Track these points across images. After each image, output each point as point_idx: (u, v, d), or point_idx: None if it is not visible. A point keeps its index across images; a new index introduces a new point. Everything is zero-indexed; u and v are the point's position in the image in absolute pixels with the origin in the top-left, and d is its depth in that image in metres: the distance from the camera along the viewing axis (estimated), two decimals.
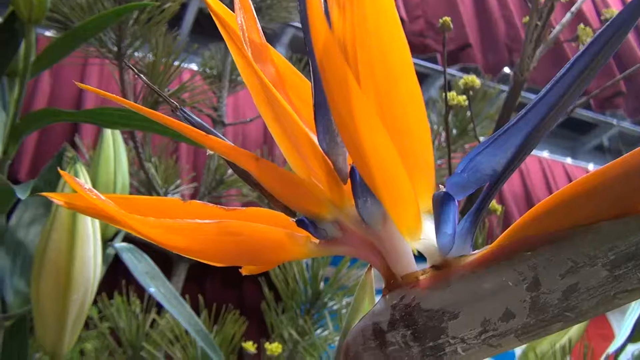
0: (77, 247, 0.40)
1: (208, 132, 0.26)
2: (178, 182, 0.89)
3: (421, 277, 0.21)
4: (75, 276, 0.40)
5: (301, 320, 0.61)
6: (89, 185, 0.27)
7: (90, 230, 0.40)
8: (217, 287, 1.43)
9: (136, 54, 0.80)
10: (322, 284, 0.63)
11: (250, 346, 0.52)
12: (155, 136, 0.97)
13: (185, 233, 0.26)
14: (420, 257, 0.23)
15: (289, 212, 0.26)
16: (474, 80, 0.50)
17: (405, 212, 0.20)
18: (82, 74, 2.15)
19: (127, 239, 0.60)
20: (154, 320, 0.65)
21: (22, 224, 0.58)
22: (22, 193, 0.36)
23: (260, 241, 0.25)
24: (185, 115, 0.28)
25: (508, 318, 0.19)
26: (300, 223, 0.25)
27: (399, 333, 0.22)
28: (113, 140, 0.58)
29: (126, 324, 0.63)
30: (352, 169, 0.23)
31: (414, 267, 0.22)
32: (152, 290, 0.49)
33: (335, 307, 0.62)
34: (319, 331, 0.59)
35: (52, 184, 0.56)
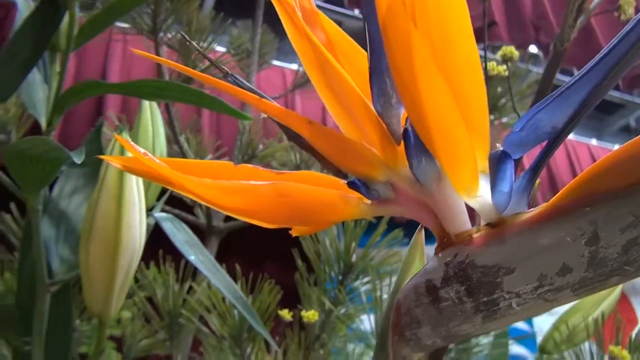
0: (124, 215, 0.41)
1: (262, 96, 0.26)
2: (209, 156, 0.90)
3: (475, 235, 0.22)
4: (123, 242, 0.41)
5: (333, 293, 0.62)
6: (144, 150, 0.28)
7: (136, 199, 0.42)
8: (247, 261, 1.46)
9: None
10: (354, 257, 0.64)
11: (286, 314, 0.54)
12: (183, 113, 0.98)
13: (240, 194, 0.26)
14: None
15: (341, 174, 0.27)
16: (512, 51, 0.49)
17: (463, 171, 0.20)
18: (106, 53, 2.18)
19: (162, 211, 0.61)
20: (189, 289, 0.67)
21: (63, 195, 0.60)
22: (78, 157, 0.37)
23: (313, 202, 0.26)
24: (237, 81, 0.29)
25: (565, 273, 0.19)
26: (352, 185, 0.25)
27: (453, 289, 0.22)
28: (151, 113, 0.59)
29: (163, 292, 0.65)
30: (406, 131, 0.23)
31: (468, 225, 0.22)
32: (192, 258, 0.50)
33: (367, 279, 0.63)
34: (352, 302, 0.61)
35: (93, 154, 0.57)
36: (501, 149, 0.21)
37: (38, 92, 0.56)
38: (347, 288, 0.62)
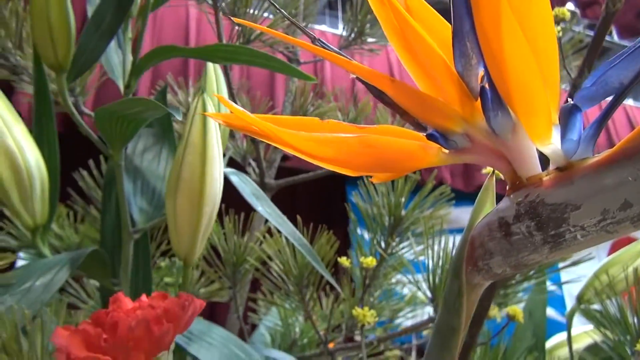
0: (208, 168, 0.45)
1: (348, 58, 0.30)
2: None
3: (545, 178, 0.25)
4: (207, 192, 0.46)
5: (384, 244, 0.66)
6: (241, 107, 0.32)
7: (216, 155, 0.46)
8: (298, 215, 1.52)
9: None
10: (403, 212, 0.68)
11: (344, 261, 0.58)
12: (234, 75, 1.02)
13: (331, 145, 0.30)
14: None
15: (420, 127, 0.30)
16: (565, 12, 0.51)
17: (538, 121, 0.24)
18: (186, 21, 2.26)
19: None
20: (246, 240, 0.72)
21: (136, 153, 0.65)
22: (177, 114, 0.42)
23: (395, 152, 0.30)
24: (323, 45, 0.32)
25: (626, 207, 0.23)
26: (431, 136, 0.29)
27: (524, 224, 0.26)
28: (215, 75, 0.63)
29: (224, 243, 0.70)
30: (483, 88, 0.27)
31: (539, 169, 0.26)
32: (260, 208, 0.55)
33: (417, 231, 0.67)
34: (403, 250, 0.65)
35: (160, 117, 0.62)
36: (572, 102, 0.24)
37: (114, 57, 0.60)
38: (396, 239, 0.67)
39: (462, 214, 0.75)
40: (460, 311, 0.30)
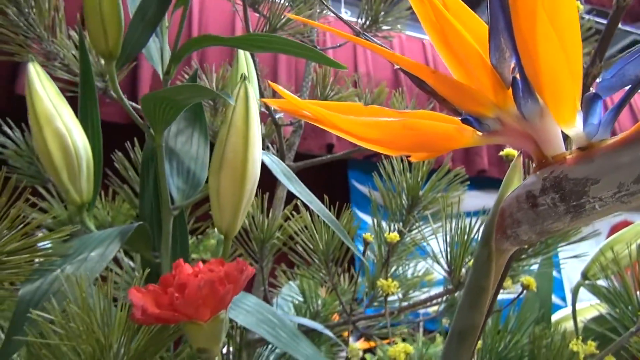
0: (249, 149, 0.49)
1: (391, 51, 0.34)
2: None
3: (568, 157, 0.29)
4: (248, 171, 0.50)
5: (402, 221, 0.71)
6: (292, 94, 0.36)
7: (257, 136, 0.50)
8: (317, 195, 1.57)
9: None
10: (420, 192, 0.73)
11: (368, 237, 0.63)
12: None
13: (377, 128, 0.34)
14: None
15: (456, 112, 0.34)
16: (579, 5, 0.54)
17: (565, 108, 0.28)
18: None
19: None
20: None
21: (170, 136, 0.69)
22: (230, 98, 0.46)
23: (435, 134, 0.34)
24: (367, 37, 0.36)
25: (639, 181, 0.27)
26: (466, 120, 0.33)
27: (549, 197, 0.30)
28: (246, 61, 0.67)
29: (250, 221, 0.75)
30: (515, 79, 0.31)
31: (563, 148, 0.30)
32: (291, 187, 0.59)
33: (434, 210, 0.71)
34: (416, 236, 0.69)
35: None
36: (594, 91, 0.28)
37: (152, 45, 0.64)
38: (414, 217, 0.71)
39: (464, 197, 0.79)
40: (489, 274, 0.34)
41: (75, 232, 0.59)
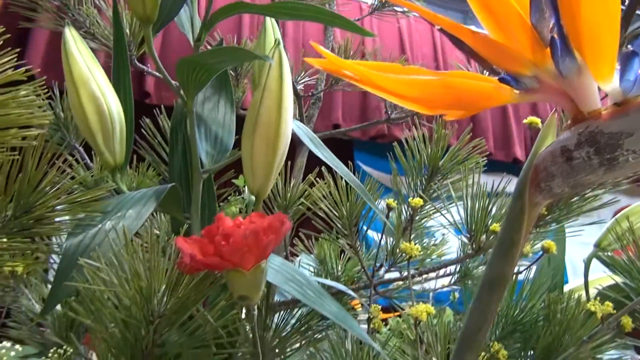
0: (283, 111, 0.51)
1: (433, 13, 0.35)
2: (303, 73, 1.00)
3: (604, 112, 0.31)
4: (282, 134, 0.51)
5: (422, 189, 0.73)
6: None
7: (290, 99, 0.52)
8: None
9: None
10: (440, 162, 0.74)
11: (391, 202, 0.65)
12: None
13: (417, 87, 0.36)
14: None
15: (494, 72, 0.36)
16: None
17: (604, 65, 0.29)
18: None
19: None
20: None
21: (198, 103, 0.71)
22: (268, 59, 0.47)
23: (473, 93, 0.35)
24: (415, 3, 0.37)
25: None
26: (504, 80, 0.34)
27: (584, 150, 0.32)
28: (272, 28, 0.68)
29: (276, 186, 0.77)
30: (553, 37, 0.32)
31: (599, 104, 0.31)
32: (318, 152, 0.61)
33: (453, 179, 0.73)
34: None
35: None
36: (631, 49, 0.29)
37: (183, 13, 0.65)
38: (434, 186, 0.73)
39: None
40: (521, 227, 0.36)
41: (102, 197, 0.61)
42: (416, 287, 0.82)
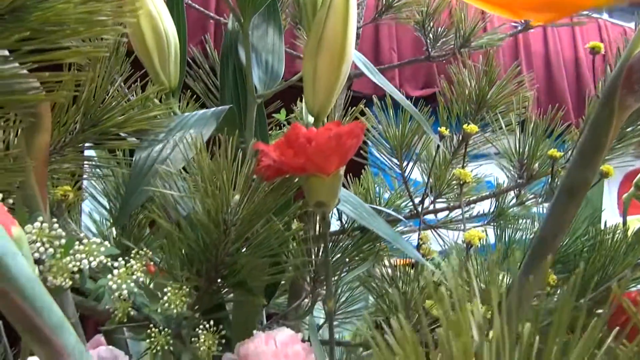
0: (348, 29, 0.50)
1: None
2: None
3: None
4: (347, 51, 0.51)
5: (469, 122, 0.72)
6: None
7: (354, 18, 0.51)
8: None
9: None
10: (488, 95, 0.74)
11: (443, 130, 0.65)
12: None
13: None
14: None
15: None
16: None
17: None
18: None
19: None
20: None
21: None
22: None
23: None
24: None
25: None
26: None
27: None
28: None
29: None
30: None
31: None
32: (373, 77, 0.61)
33: (501, 111, 0.72)
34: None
35: None
36: None
37: None
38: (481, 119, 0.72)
39: None
40: (608, 131, 0.36)
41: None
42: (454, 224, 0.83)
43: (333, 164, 0.39)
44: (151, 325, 0.43)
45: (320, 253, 0.50)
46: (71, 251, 0.37)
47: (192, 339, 0.45)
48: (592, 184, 0.38)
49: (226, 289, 0.51)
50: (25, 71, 0.40)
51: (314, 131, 0.41)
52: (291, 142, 0.40)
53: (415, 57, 1.02)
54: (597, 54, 0.58)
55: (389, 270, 0.65)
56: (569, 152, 0.63)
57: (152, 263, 0.47)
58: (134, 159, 0.50)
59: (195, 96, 0.82)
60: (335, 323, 0.75)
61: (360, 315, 0.85)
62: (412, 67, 2.38)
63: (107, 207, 0.68)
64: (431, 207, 0.70)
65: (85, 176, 0.64)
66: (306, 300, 0.70)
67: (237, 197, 0.44)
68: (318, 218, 0.51)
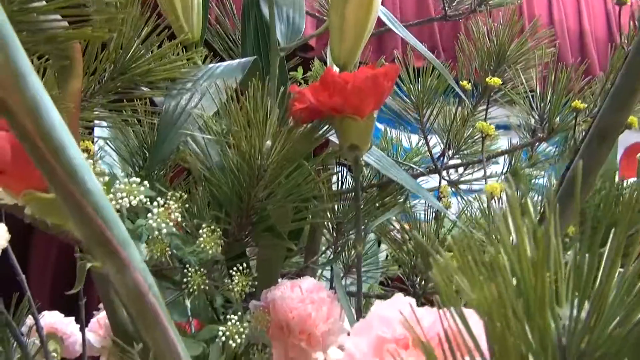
0: None
1: None
2: None
3: None
4: (374, 5, 0.51)
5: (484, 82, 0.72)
6: None
7: None
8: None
9: None
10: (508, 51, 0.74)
11: (465, 84, 0.65)
12: None
13: None
14: None
15: None
16: None
17: None
18: None
19: None
20: None
21: None
22: None
23: None
24: None
25: None
26: None
27: None
28: None
29: None
30: None
31: None
32: (399, 31, 0.61)
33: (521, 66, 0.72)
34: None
35: None
36: None
37: None
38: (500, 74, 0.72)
39: None
40: None
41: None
42: (464, 186, 0.84)
43: (369, 105, 0.39)
44: (187, 266, 0.44)
45: (350, 201, 0.51)
46: (112, 189, 0.38)
47: (224, 282, 0.46)
48: (622, 128, 0.39)
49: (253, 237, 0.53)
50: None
51: (349, 74, 0.42)
52: (327, 84, 0.40)
53: (421, 19, 1.01)
54: (624, 4, 0.58)
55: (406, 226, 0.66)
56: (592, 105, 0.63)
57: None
58: (163, 107, 0.50)
59: (213, 53, 0.82)
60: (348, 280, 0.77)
61: (375, 270, 0.87)
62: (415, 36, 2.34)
63: (130, 162, 0.69)
64: (450, 163, 0.71)
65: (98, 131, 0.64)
66: (323, 256, 0.71)
67: (269, 142, 0.44)
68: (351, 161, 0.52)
